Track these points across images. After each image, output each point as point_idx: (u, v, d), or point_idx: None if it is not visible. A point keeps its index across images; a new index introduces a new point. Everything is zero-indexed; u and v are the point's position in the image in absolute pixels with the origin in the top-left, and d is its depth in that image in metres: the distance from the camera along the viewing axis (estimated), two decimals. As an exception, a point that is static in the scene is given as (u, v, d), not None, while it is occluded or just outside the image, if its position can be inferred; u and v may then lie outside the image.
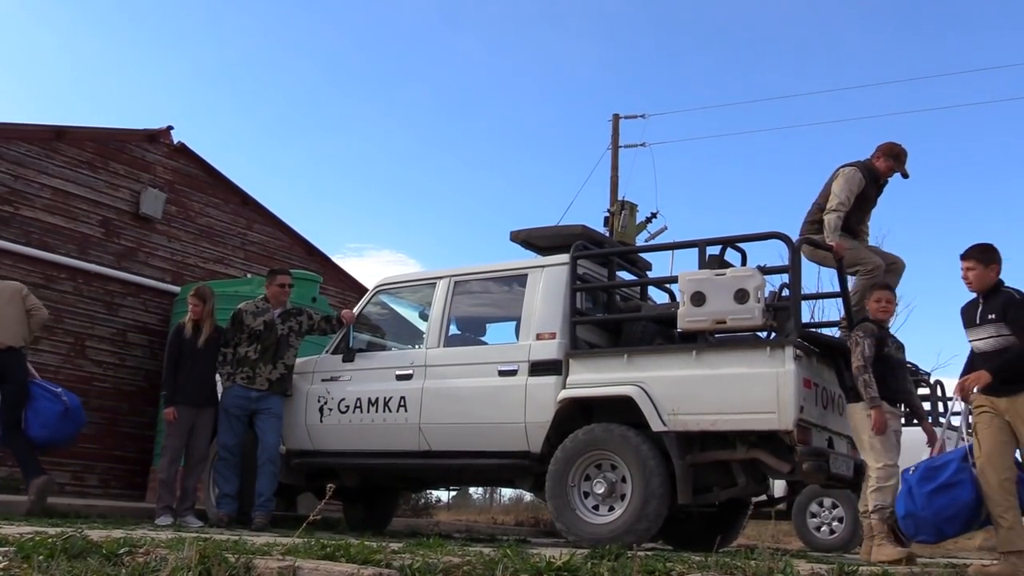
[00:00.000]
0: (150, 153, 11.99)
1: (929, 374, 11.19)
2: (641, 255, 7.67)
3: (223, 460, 7.29)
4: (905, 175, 6.55)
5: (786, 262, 6.02)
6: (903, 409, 5.89)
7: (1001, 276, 5.03)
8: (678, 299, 6.12)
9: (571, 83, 59.22)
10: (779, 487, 9.18)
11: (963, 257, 5.10)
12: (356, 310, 7.57)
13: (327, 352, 7.58)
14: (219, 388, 7.43)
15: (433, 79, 67.09)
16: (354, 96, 69.87)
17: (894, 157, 6.47)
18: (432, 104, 67.95)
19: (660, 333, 6.74)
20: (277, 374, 7.32)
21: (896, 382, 5.72)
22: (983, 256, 5.07)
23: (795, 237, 5.93)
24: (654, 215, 16.99)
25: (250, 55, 66.43)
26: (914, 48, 51.02)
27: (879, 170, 6.48)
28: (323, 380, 7.36)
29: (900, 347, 5.89)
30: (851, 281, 6.41)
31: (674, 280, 6.39)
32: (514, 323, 6.84)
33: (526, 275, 6.76)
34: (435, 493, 18.10)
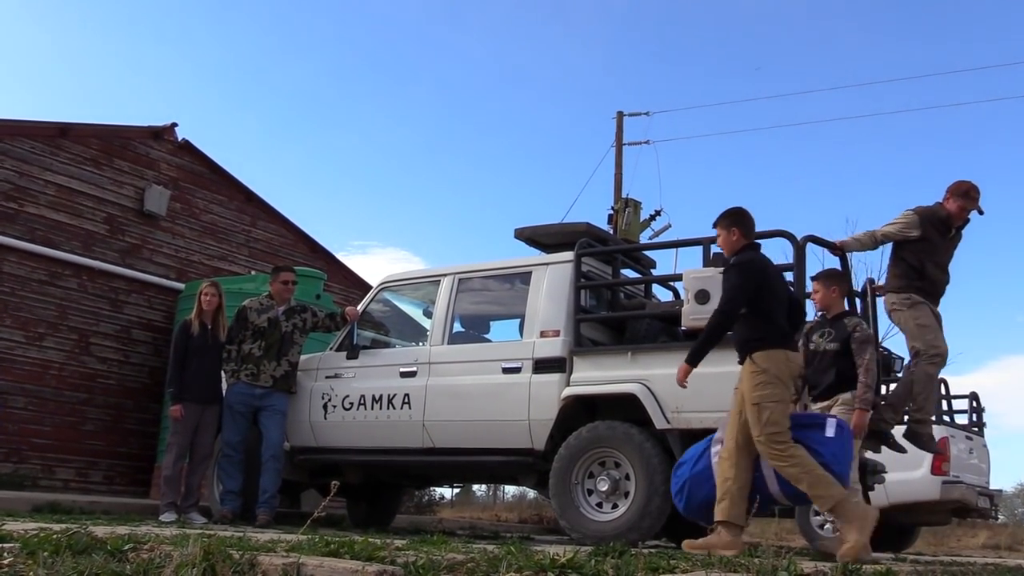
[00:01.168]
0: (154, 150, 12.00)
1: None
2: (645, 253, 7.67)
3: (227, 457, 7.29)
4: (980, 212, 6.00)
5: (790, 260, 6.00)
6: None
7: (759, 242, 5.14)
8: (682, 297, 6.11)
9: (575, 81, 59.21)
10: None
11: (713, 226, 5.20)
12: (360, 307, 7.58)
13: (331, 349, 7.59)
14: (224, 385, 7.44)
15: (438, 77, 67.09)
16: (359, 94, 69.87)
17: (963, 195, 5.93)
18: (437, 102, 67.95)
19: (664, 331, 6.73)
20: (281, 371, 7.33)
21: (814, 376, 5.60)
22: (722, 221, 5.11)
23: (800, 235, 5.91)
24: (658, 213, 17.00)
25: (254, 52, 66.45)
26: (918, 47, 50.91)
27: (949, 212, 5.93)
28: (327, 377, 7.37)
29: (829, 337, 5.60)
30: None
31: (678, 278, 6.39)
32: (518, 320, 6.84)
33: (530, 272, 6.76)
34: (438, 490, 18.12)
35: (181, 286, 11.47)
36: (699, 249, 6.24)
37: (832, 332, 5.59)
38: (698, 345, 5.06)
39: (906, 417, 5.99)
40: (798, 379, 5.19)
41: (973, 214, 5.98)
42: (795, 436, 4.81)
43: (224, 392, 7.39)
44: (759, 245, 5.17)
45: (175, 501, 7.22)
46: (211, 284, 7.66)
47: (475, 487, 28.75)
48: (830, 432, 4.91)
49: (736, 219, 5.08)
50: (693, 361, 5.05)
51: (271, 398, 7.26)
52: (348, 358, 7.31)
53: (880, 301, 6.20)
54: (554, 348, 6.38)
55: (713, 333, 5.01)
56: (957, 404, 10.83)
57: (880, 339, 6.34)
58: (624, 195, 17.15)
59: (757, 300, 4.89)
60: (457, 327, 7.14)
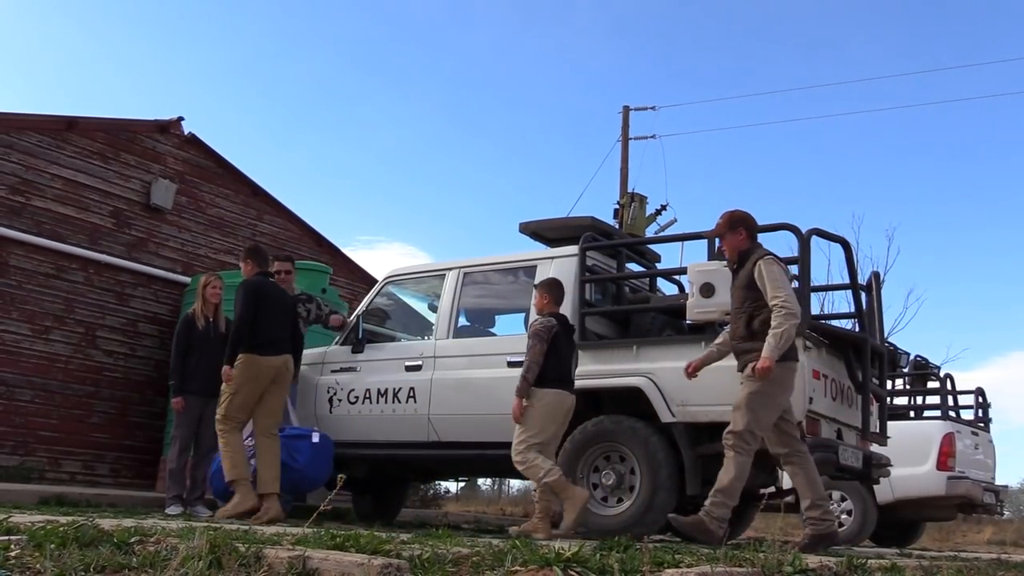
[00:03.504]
0: (161, 144, 12.01)
1: (939, 367, 11.17)
2: (650, 247, 7.67)
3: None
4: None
5: (795, 253, 6.00)
6: None
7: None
8: (687, 290, 6.11)
9: (581, 75, 59.13)
10: (788, 479, 9.17)
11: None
12: (365, 302, 7.59)
13: (336, 343, 7.60)
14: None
15: (444, 72, 67.07)
16: (365, 88, 69.89)
17: None
18: (443, 97, 67.95)
19: (669, 324, 6.73)
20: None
21: None
22: (243, 255, 6.89)
23: (804, 228, 5.90)
24: (664, 207, 16.96)
25: (262, 47, 66.48)
26: (921, 42, 50.72)
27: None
28: (333, 371, 7.38)
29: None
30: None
31: (683, 271, 6.39)
32: (523, 314, 6.85)
33: (535, 266, 6.76)
34: (444, 484, 18.15)
35: (187, 280, 11.47)
36: (704, 243, 6.23)
37: None
38: (230, 349, 6.40)
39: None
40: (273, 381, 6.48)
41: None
42: (284, 443, 6.47)
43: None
44: (270, 274, 6.91)
45: (181, 494, 7.23)
46: (216, 276, 7.65)
47: (480, 481, 28.79)
48: (315, 439, 6.69)
49: (250, 254, 6.85)
50: (229, 361, 6.36)
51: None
52: (353, 352, 7.32)
53: (885, 294, 6.19)
54: (559, 342, 6.36)
55: (236, 337, 6.41)
56: (963, 400, 10.80)
57: (886, 334, 6.32)
58: (630, 189, 17.13)
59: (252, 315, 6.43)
60: (462, 321, 7.15)
